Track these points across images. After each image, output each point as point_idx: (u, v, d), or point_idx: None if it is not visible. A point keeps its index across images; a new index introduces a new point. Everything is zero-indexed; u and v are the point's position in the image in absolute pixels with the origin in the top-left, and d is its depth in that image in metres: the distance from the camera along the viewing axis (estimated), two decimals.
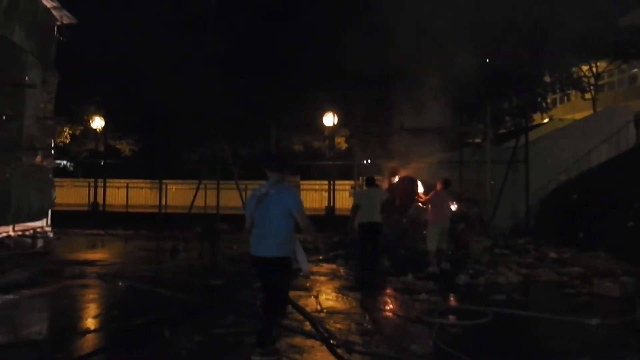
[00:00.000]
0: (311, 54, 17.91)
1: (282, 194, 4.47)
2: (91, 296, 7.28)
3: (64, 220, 15.57)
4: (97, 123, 19.77)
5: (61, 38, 13.58)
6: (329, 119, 16.91)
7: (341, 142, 22.07)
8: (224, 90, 17.43)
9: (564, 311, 6.34)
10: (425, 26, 14.16)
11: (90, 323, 5.84)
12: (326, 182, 17.62)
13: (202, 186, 18.10)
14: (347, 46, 14.64)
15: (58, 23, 13.31)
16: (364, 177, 10.33)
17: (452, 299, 7.25)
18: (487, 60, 17.25)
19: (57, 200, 13.44)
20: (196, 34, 17.48)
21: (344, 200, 18.14)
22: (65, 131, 20.99)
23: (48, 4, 12.53)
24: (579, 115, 23.59)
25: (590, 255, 10.31)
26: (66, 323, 5.85)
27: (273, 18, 20.44)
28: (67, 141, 21.74)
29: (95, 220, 17.87)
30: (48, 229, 12.65)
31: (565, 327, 5.82)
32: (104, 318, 6.06)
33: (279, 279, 4.50)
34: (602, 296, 7.14)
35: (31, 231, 11.65)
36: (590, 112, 23.34)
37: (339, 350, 4.79)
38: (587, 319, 5.88)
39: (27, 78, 11.44)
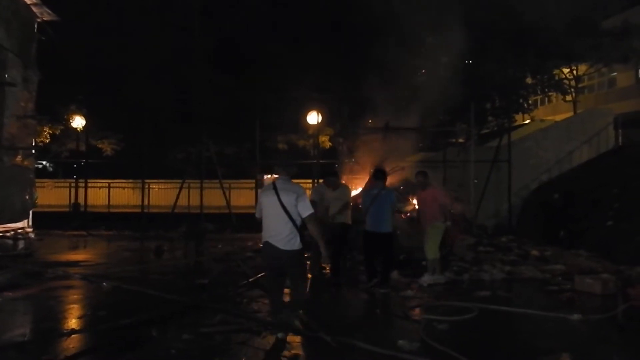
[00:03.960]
0: (295, 53, 17.94)
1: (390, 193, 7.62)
2: (76, 297, 7.20)
3: (45, 221, 15.35)
4: (78, 122, 19.50)
5: (42, 37, 13.40)
6: (313, 118, 16.94)
7: (325, 141, 22.13)
8: (209, 89, 17.35)
9: (546, 307, 6.45)
10: (411, 26, 14.28)
11: (77, 324, 5.78)
12: (310, 180, 17.64)
13: (185, 185, 17.97)
14: (331, 45, 14.70)
15: (38, 20, 13.13)
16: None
17: (437, 295, 7.32)
18: (470, 61, 17.47)
19: (38, 201, 13.24)
20: (181, 32, 17.36)
21: None
22: (46, 131, 20.69)
23: (28, 1, 12.33)
24: (560, 117, 23.94)
25: (572, 254, 10.51)
26: (52, 325, 5.78)
27: (259, 18, 20.44)
28: (47, 141, 21.43)
29: (77, 221, 17.61)
30: (29, 230, 12.48)
31: (548, 322, 5.92)
32: (90, 319, 6.00)
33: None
34: (584, 293, 7.27)
35: (12, 232, 11.47)
36: (571, 113, 23.72)
37: (328, 347, 4.81)
38: (569, 315, 6.00)
39: (6, 76, 11.26)
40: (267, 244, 4.99)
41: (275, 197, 4.90)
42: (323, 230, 5.17)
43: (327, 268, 8.32)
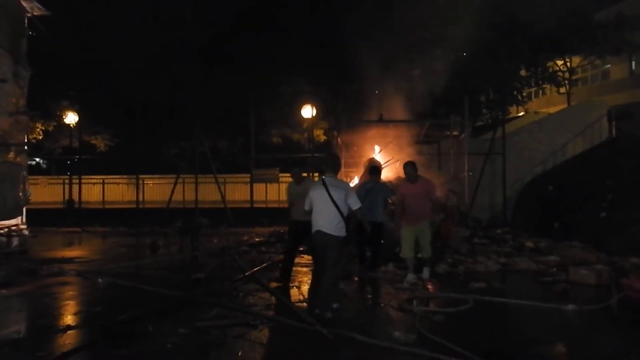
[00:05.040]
0: (289, 47, 17.88)
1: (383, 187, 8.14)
2: (71, 294, 7.19)
3: (39, 218, 15.28)
4: (71, 118, 19.38)
5: (32, 32, 13.27)
6: (308, 111, 16.90)
7: (320, 135, 22.11)
8: (202, 83, 17.28)
9: (541, 298, 6.49)
10: (405, 20, 14.26)
11: (72, 320, 5.75)
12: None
13: (180, 181, 17.92)
14: (325, 38, 14.64)
15: (29, 15, 12.99)
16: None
17: (433, 287, 7.35)
18: (465, 54, 17.46)
19: (31, 198, 13.17)
20: (174, 27, 17.25)
21: None
22: (38, 127, 20.54)
23: None
24: (553, 109, 24.00)
25: (566, 245, 10.56)
26: (47, 321, 5.76)
27: (252, 12, 20.34)
28: (40, 137, 21.27)
29: (71, 217, 17.54)
30: (23, 227, 12.39)
31: (543, 313, 5.96)
32: (86, 315, 5.98)
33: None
34: (578, 284, 7.31)
35: (6, 230, 11.40)
36: (565, 106, 23.78)
37: (324, 339, 4.82)
38: (563, 305, 6.03)
39: None
40: (317, 232, 5.65)
41: (325, 192, 5.57)
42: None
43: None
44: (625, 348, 4.76)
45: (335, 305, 5.56)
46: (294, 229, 7.36)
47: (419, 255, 7.52)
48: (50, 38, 14.73)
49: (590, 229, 11.62)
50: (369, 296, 7.31)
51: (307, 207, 5.82)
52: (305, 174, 8.71)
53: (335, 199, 5.53)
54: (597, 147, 17.13)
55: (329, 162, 5.96)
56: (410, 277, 7.37)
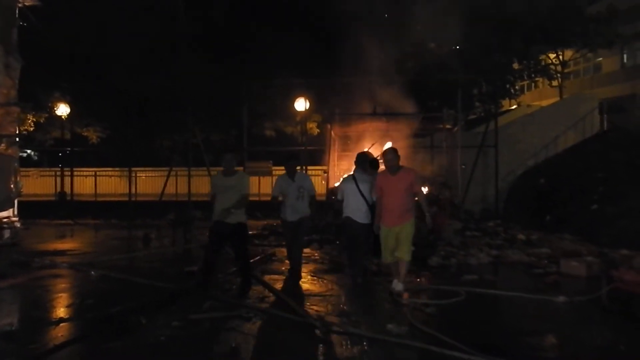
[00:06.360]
0: (282, 39, 17.79)
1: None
2: (64, 286, 7.16)
3: (31, 210, 15.20)
4: (62, 110, 19.20)
5: (23, 22, 13.13)
6: (301, 104, 16.85)
7: (313, 128, 22.06)
8: (195, 75, 17.16)
9: (532, 290, 6.57)
10: (398, 13, 14.23)
11: (65, 313, 5.73)
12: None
13: (172, 173, 17.84)
14: (318, 31, 14.59)
15: (20, 5, 12.85)
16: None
17: (425, 279, 7.40)
18: (458, 47, 17.48)
19: (23, 191, 13.08)
20: (166, 18, 17.10)
21: (317, 185, 18.17)
22: (29, 119, 20.36)
23: None
24: (546, 102, 24.13)
25: (557, 237, 10.66)
26: (39, 314, 5.73)
27: (246, 3, 20.22)
28: (32, 129, 21.08)
29: (63, 210, 17.45)
30: (15, 219, 12.33)
31: (534, 305, 6.03)
32: (79, 307, 5.96)
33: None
34: (569, 275, 7.39)
35: None
36: (557, 99, 23.90)
37: (316, 332, 4.86)
38: (554, 297, 6.10)
39: None
40: (347, 218, 6.76)
41: (355, 185, 6.73)
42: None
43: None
44: (615, 338, 4.82)
45: (359, 280, 6.83)
46: (216, 233, 6.15)
47: (395, 254, 6.22)
48: (41, 28, 14.58)
49: (581, 221, 11.73)
50: (361, 289, 7.34)
51: (339, 197, 6.88)
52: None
53: (362, 190, 6.66)
54: (588, 140, 17.26)
55: (358, 161, 7.11)
56: (397, 284, 6.27)
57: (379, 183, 6.29)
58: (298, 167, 8.30)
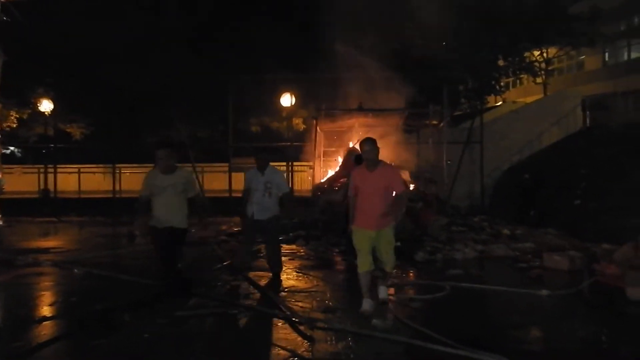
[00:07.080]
0: (269, 35, 17.73)
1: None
2: (47, 284, 7.07)
3: (14, 208, 15.00)
4: (46, 106, 18.93)
5: (5, 17, 12.91)
6: (287, 100, 16.79)
7: (299, 123, 22.03)
8: (180, 71, 17.04)
9: (517, 284, 6.62)
10: (385, 8, 14.23)
11: (49, 311, 5.67)
12: (284, 163, 17.57)
13: None
14: (304, 26, 14.52)
15: (2, 0, 12.63)
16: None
17: (411, 274, 7.44)
18: (444, 43, 17.55)
19: (6, 188, 12.90)
20: (153, 13, 16.94)
21: (303, 181, 18.23)
22: (12, 115, 20.05)
23: None
24: (530, 99, 24.36)
25: (541, 232, 10.78)
26: (23, 312, 5.66)
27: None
28: (15, 125, 20.77)
29: (47, 207, 17.22)
30: None
31: (518, 298, 6.09)
32: (63, 305, 5.90)
33: None
34: (552, 269, 7.47)
35: None
36: (541, 95, 24.14)
37: (302, 328, 4.86)
38: (538, 290, 6.17)
39: None
40: None
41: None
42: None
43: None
44: (597, 330, 4.90)
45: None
46: (159, 239, 5.78)
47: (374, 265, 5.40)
48: (24, 24, 14.35)
49: (565, 216, 11.88)
50: (346, 285, 7.35)
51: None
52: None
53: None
54: (572, 137, 17.47)
55: (358, 160, 7.12)
56: (367, 304, 5.28)
57: (355, 180, 5.35)
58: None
